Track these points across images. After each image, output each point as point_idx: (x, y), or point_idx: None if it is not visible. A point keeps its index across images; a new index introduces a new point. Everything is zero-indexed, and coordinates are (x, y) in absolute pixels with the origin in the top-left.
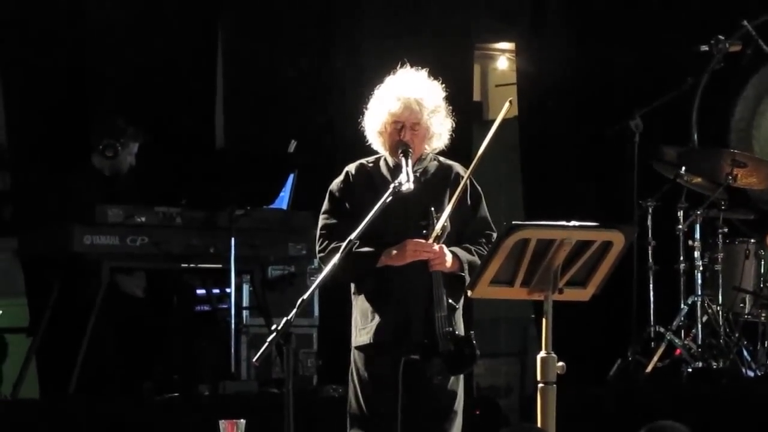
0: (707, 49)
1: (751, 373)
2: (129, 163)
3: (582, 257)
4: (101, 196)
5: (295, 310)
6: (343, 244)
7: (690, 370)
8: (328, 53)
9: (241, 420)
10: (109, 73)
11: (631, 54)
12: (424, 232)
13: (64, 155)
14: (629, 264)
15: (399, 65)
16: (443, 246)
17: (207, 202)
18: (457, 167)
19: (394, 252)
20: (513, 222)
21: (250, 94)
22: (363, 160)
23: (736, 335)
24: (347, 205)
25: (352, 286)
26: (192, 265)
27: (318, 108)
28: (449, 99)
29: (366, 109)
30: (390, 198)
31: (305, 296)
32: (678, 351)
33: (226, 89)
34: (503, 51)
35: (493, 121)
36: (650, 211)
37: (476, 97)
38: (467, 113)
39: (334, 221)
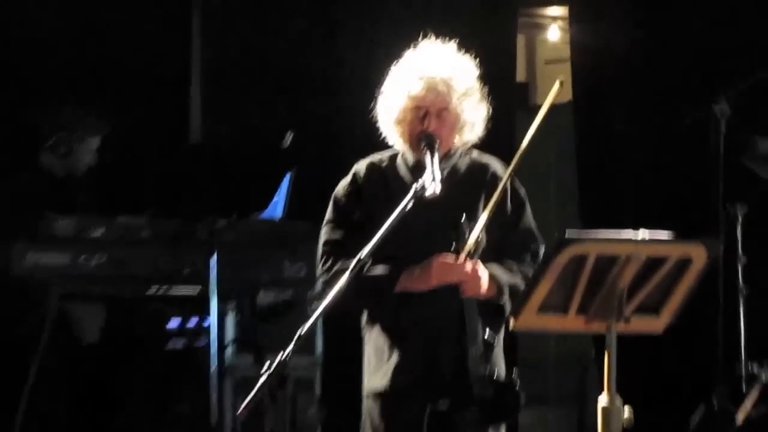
0: None
1: None
2: (86, 162)
3: (654, 278)
4: (49, 204)
5: (292, 346)
6: (352, 264)
7: None
8: (330, 24)
9: None
10: (62, 53)
11: (716, 23)
12: (454, 247)
13: (4, 154)
14: (714, 286)
15: (421, 36)
16: (478, 264)
17: (181, 210)
18: (495, 164)
19: (417, 273)
20: (566, 233)
21: (233, 78)
22: (375, 157)
23: None
24: (356, 214)
25: (364, 316)
26: (162, 291)
27: (320, 92)
28: (486, 78)
29: (379, 92)
30: (410, 205)
31: (305, 329)
32: None
33: (204, 72)
34: (554, 18)
35: (540, 107)
36: (740, 218)
37: (520, 76)
38: (509, 96)
39: (340, 235)
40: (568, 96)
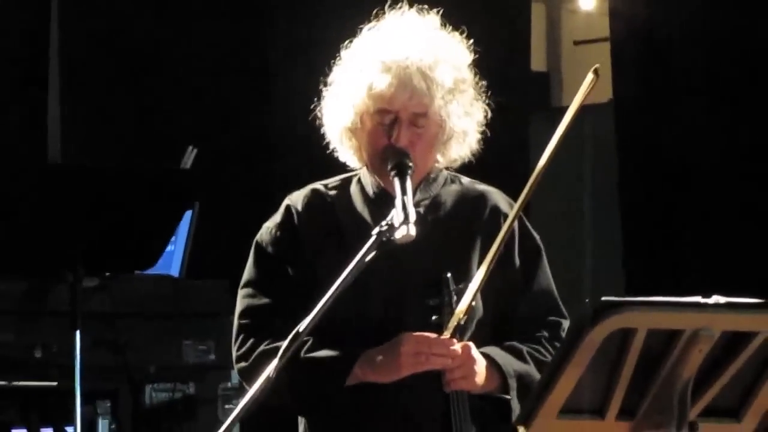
0: None
1: None
2: None
3: (733, 365)
4: None
5: None
6: (285, 344)
7: None
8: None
9: None
10: None
11: None
12: (434, 318)
13: None
14: None
15: (387, 3)
16: (470, 345)
17: (30, 263)
18: (496, 197)
19: (380, 358)
20: (604, 298)
21: (104, 79)
22: (319, 185)
23: None
24: (290, 269)
25: (301, 421)
26: (3, 384)
27: (237, 93)
28: (486, 67)
29: (325, 88)
30: (372, 255)
31: None
32: None
33: (64, 74)
34: None
35: (567, 107)
36: None
37: (537, 64)
38: (521, 94)
39: (266, 301)
40: (607, 92)
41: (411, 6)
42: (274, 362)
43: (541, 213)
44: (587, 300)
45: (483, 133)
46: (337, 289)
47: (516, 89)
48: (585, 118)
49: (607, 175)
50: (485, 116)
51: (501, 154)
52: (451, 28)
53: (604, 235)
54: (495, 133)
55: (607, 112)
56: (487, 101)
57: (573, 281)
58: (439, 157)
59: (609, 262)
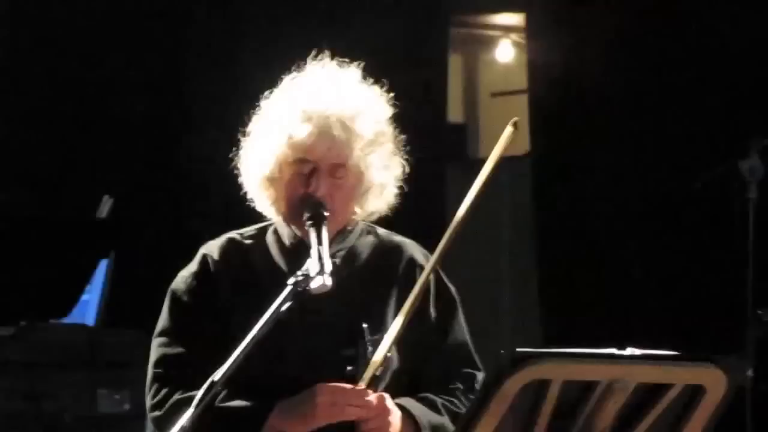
0: None
1: None
2: None
3: (649, 415)
4: None
5: None
6: (199, 393)
7: None
8: (172, 30)
9: None
10: None
11: (741, 38)
12: (349, 369)
13: None
14: (741, 427)
15: (312, 53)
16: (385, 396)
17: None
18: (412, 249)
19: (296, 408)
20: (518, 350)
21: (21, 121)
22: (234, 234)
23: None
24: (205, 318)
25: None
26: None
27: (154, 135)
28: (404, 119)
29: (244, 134)
30: (287, 306)
31: None
32: None
33: None
34: (505, 29)
35: (484, 160)
36: None
37: (454, 115)
38: (438, 145)
39: (179, 350)
40: (524, 146)
41: (332, 58)
42: (189, 411)
43: (458, 264)
44: (502, 351)
45: (400, 187)
46: (252, 338)
47: (433, 140)
48: (503, 170)
49: (524, 228)
50: (403, 170)
51: (417, 206)
52: (371, 81)
53: (521, 288)
54: (412, 183)
55: (524, 167)
56: (405, 156)
57: (489, 334)
58: (356, 208)
59: (526, 316)
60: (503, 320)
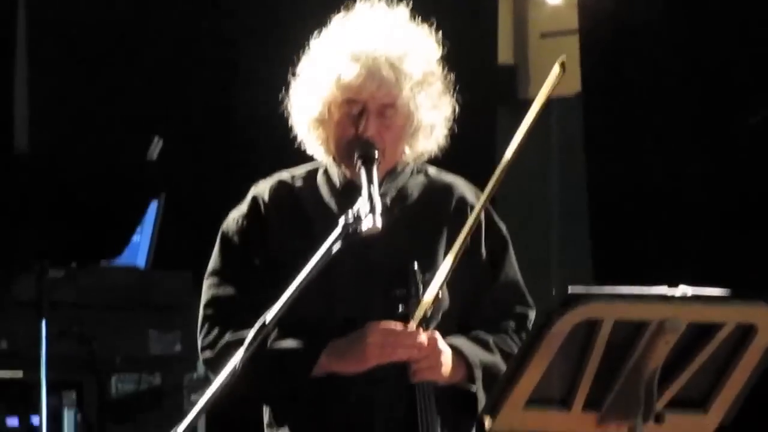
0: None
1: None
2: None
3: (700, 356)
4: None
5: None
6: (251, 334)
7: None
8: None
9: None
10: None
11: None
12: (402, 309)
13: None
14: None
15: None
16: (436, 336)
17: None
18: (463, 187)
19: (346, 349)
20: (570, 290)
21: (72, 68)
22: (285, 175)
23: None
24: (256, 259)
25: (267, 411)
26: None
27: (205, 82)
28: (453, 60)
29: (293, 77)
30: (338, 246)
31: (180, 430)
32: None
33: (32, 62)
34: None
35: (533, 100)
36: None
37: (504, 56)
38: (487, 86)
39: (231, 291)
40: (575, 85)
41: None
42: (240, 352)
43: (508, 204)
44: (554, 291)
45: (450, 128)
46: (303, 279)
47: (482, 83)
48: (552, 111)
49: (573, 168)
50: (453, 111)
51: (467, 147)
52: (420, 21)
53: (571, 226)
54: (462, 125)
55: (574, 105)
56: (454, 96)
57: (540, 272)
58: (406, 149)
59: (576, 253)
60: (553, 259)
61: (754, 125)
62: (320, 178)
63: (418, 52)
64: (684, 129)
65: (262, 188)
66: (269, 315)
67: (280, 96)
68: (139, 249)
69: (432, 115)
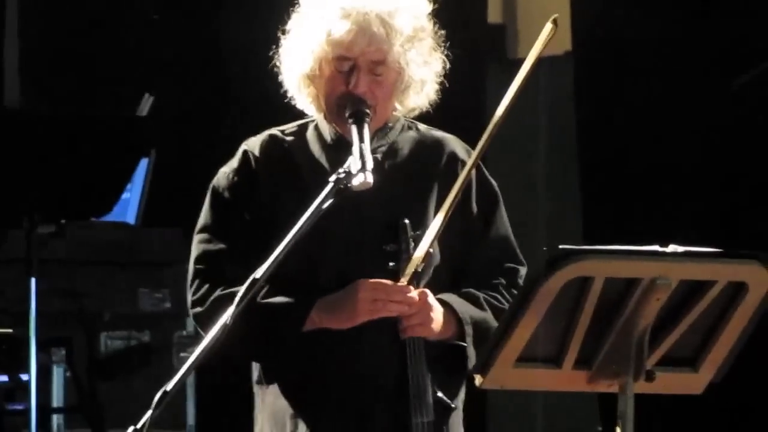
0: None
1: None
2: None
3: (690, 313)
4: None
5: (150, 413)
6: (241, 290)
7: None
8: None
9: None
10: None
11: None
12: (392, 265)
13: None
14: None
15: None
16: (427, 292)
17: None
18: (453, 143)
19: (337, 304)
20: (561, 246)
21: (62, 24)
22: (276, 130)
23: None
24: (247, 214)
25: (256, 368)
26: None
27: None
28: (444, 17)
29: (283, 34)
30: (328, 202)
31: (170, 387)
32: None
33: (23, 17)
34: None
35: (523, 59)
36: None
37: (494, 16)
38: (477, 43)
39: (221, 246)
40: (565, 44)
41: None
42: (231, 308)
43: (497, 162)
44: (545, 248)
45: (440, 83)
46: (294, 235)
47: (472, 40)
48: (541, 70)
49: (562, 129)
50: (443, 67)
51: (457, 105)
52: None
53: (560, 184)
54: (451, 83)
55: (563, 64)
56: (444, 52)
57: (530, 229)
58: (397, 105)
59: (566, 211)
60: (542, 218)
61: (737, 90)
62: (310, 133)
63: (408, 7)
64: (675, 88)
65: (252, 143)
66: (260, 270)
67: (271, 52)
68: (129, 206)
69: (422, 71)
